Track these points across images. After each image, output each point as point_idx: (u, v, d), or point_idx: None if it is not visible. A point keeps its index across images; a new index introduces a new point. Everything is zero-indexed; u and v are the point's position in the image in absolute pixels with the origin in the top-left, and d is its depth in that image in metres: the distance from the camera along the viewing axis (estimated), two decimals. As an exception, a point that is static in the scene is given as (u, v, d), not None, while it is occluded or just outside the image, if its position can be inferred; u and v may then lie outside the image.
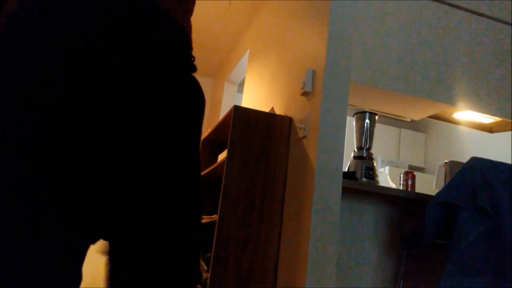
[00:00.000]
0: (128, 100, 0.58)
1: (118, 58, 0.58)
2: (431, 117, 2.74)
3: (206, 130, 4.53)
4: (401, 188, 2.72)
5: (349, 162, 2.45)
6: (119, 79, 0.58)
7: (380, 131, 5.42)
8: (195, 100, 0.67)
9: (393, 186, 2.77)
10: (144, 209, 0.59)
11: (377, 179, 2.37)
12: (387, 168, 5.01)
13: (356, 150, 2.47)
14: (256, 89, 3.22)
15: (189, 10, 0.71)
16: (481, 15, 2.62)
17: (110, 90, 0.57)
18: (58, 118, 0.54)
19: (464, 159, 2.08)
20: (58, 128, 0.54)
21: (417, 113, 2.65)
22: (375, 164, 2.40)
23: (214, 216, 2.25)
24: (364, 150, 2.44)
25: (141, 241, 0.59)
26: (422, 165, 5.51)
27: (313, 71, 2.11)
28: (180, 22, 0.67)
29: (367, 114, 2.50)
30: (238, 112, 2.18)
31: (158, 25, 0.63)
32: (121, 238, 0.59)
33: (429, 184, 4.60)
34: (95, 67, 0.57)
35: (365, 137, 2.46)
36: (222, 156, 2.51)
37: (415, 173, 2.77)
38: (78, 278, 0.57)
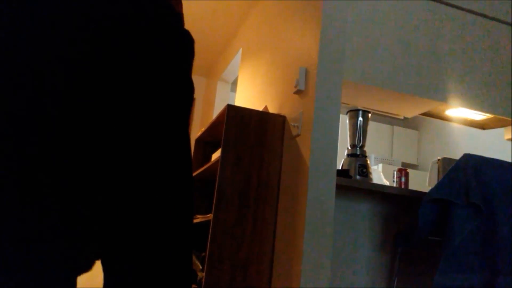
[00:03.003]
0: (114, 93, 0.57)
1: (107, 47, 0.57)
2: (423, 114, 2.75)
3: (200, 129, 4.52)
4: (394, 185, 2.73)
5: (342, 160, 2.45)
6: (107, 71, 0.56)
7: (373, 128, 5.44)
8: (184, 94, 0.66)
9: (387, 183, 2.78)
10: (133, 209, 0.58)
11: (370, 176, 2.38)
12: (380, 165, 5.04)
13: (349, 147, 2.47)
14: (249, 88, 3.21)
15: None
16: (474, 12, 2.63)
17: (97, 83, 0.56)
18: (45, 116, 0.53)
19: (457, 155, 2.10)
20: (45, 127, 0.53)
21: (410, 110, 2.66)
22: (368, 162, 2.41)
23: (208, 215, 2.25)
24: (358, 148, 2.44)
25: (132, 242, 0.58)
26: (415, 162, 5.54)
27: (306, 70, 2.11)
28: (174, 7, 0.66)
29: (360, 112, 2.51)
30: (232, 111, 2.18)
31: (152, 11, 0.61)
32: (112, 239, 0.59)
33: (422, 181, 4.62)
34: (84, 59, 0.55)
35: (359, 134, 2.47)
36: (215, 155, 2.50)
37: (408, 170, 2.78)
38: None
